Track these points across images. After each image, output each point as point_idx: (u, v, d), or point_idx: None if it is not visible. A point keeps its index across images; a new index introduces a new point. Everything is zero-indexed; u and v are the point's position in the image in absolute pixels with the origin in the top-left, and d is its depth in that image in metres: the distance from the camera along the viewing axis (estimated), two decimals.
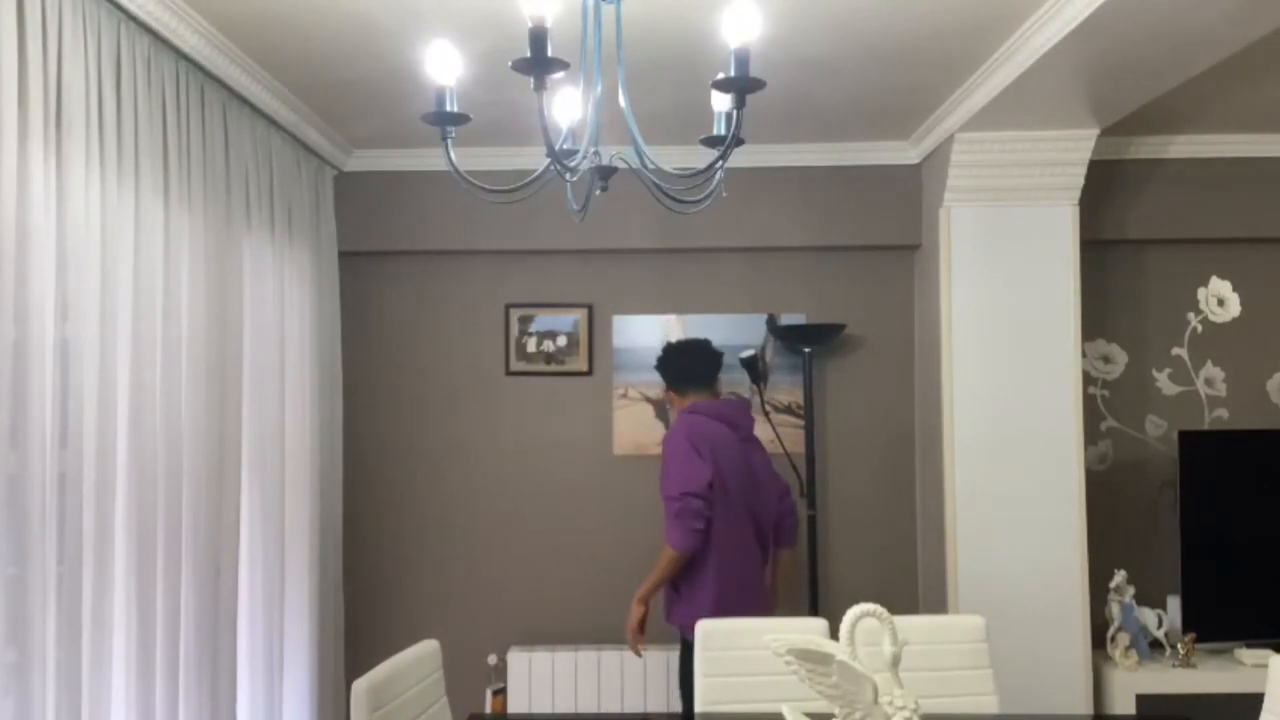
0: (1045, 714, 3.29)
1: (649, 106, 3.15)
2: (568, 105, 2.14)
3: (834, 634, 2.34)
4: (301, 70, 2.98)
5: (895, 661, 1.94)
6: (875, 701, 1.89)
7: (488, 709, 3.79)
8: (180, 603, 2.58)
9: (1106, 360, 3.97)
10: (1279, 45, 2.70)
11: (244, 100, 2.98)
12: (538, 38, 1.70)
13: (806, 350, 3.89)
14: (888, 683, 1.92)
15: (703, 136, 2.13)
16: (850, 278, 4.00)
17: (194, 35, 2.58)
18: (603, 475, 4.00)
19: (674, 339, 3.67)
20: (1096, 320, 3.90)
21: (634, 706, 3.70)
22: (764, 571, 3.35)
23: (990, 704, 2.64)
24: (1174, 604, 3.66)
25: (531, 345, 4.01)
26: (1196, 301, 3.97)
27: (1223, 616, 3.62)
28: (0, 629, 1.92)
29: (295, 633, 3.37)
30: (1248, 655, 3.53)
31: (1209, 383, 3.96)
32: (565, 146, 2.01)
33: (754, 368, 3.94)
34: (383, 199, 3.91)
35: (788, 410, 3.98)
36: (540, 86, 1.75)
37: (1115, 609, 3.57)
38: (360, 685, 2.20)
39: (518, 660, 3.75)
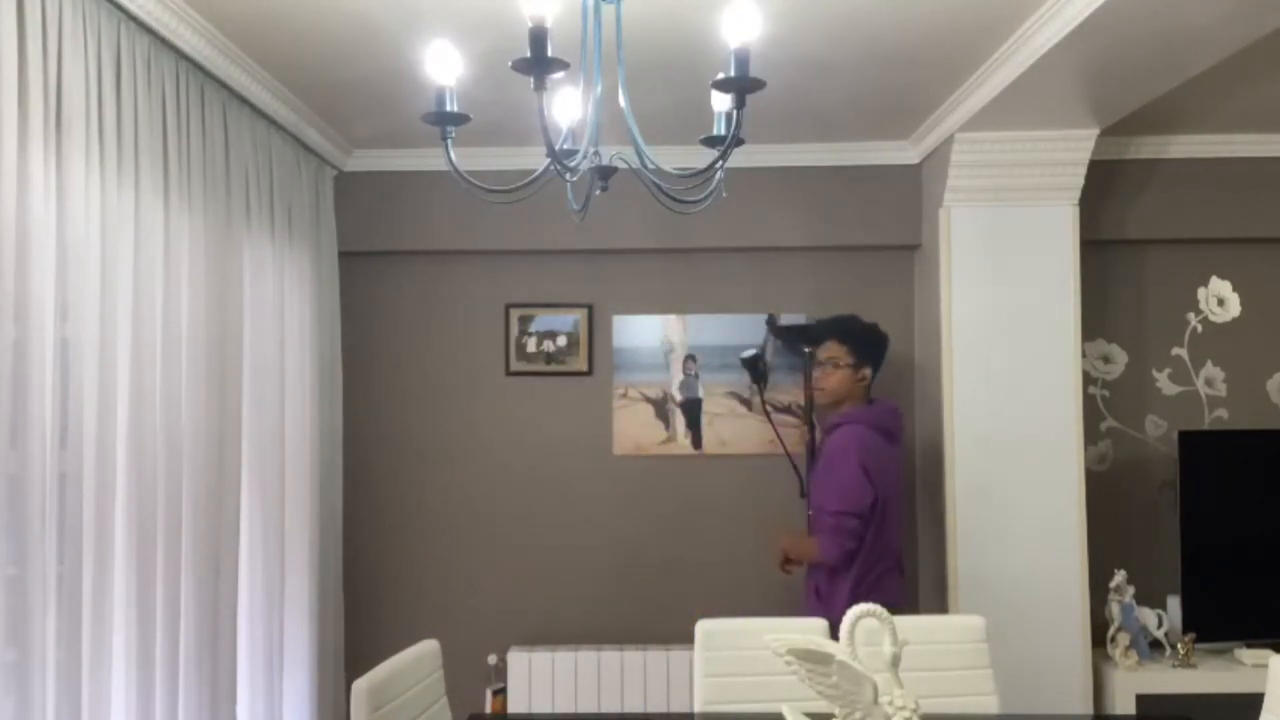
0: (1045, 714, 3.29)
1: (649, 106, 3.14)
2: (568, 105, 2.14)
3: (834, 634, 2.34)
4: (301, 70, 2.98)
5: (895, 661, 1.94)
6: (875, 701, 1.89)
7: (488, 709, 3.79)
8: (180, 603, 2.58)
9: (1106, 360, 3.97)
10: (1279, 45, 2.70)
11: (244, 100, 2.98)
12: (538, 38, 1.70)
13: (807, 350, 3.89)
14: (888, 683, 1.92)
15: (703, 136, 2.13)
16: (850, 278, 4.00)
17: (194, 35, 2.58)
18: (603, 475, 3.99)
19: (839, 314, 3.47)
20: (1096, 320, 3.90)
21: (634, 706, 3.70)
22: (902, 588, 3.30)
23: (990, 704, 2.64)
24: (1174, 604, 3.65)
25: (531, 345, 4.01)
26: (1196, 301, 3.97)
27: (1223, 616, 3.62)
28: (0, 629, 1.92)
29: (295, 633, 3.37)
30: (1248, 655, 3.53)
31: (1209, 383, 3.95)
32: (565, 146, 2.01)
33: (755, 368, 3.93)
34: (383, 199, 3.91)
35: (788, 410, 3.98)
36: (540, 86, 1.75)
37: (1115, 609, 3.56)
38: (360, 685, 2.20)
39: (518, 660, 3.75)
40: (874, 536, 3.13)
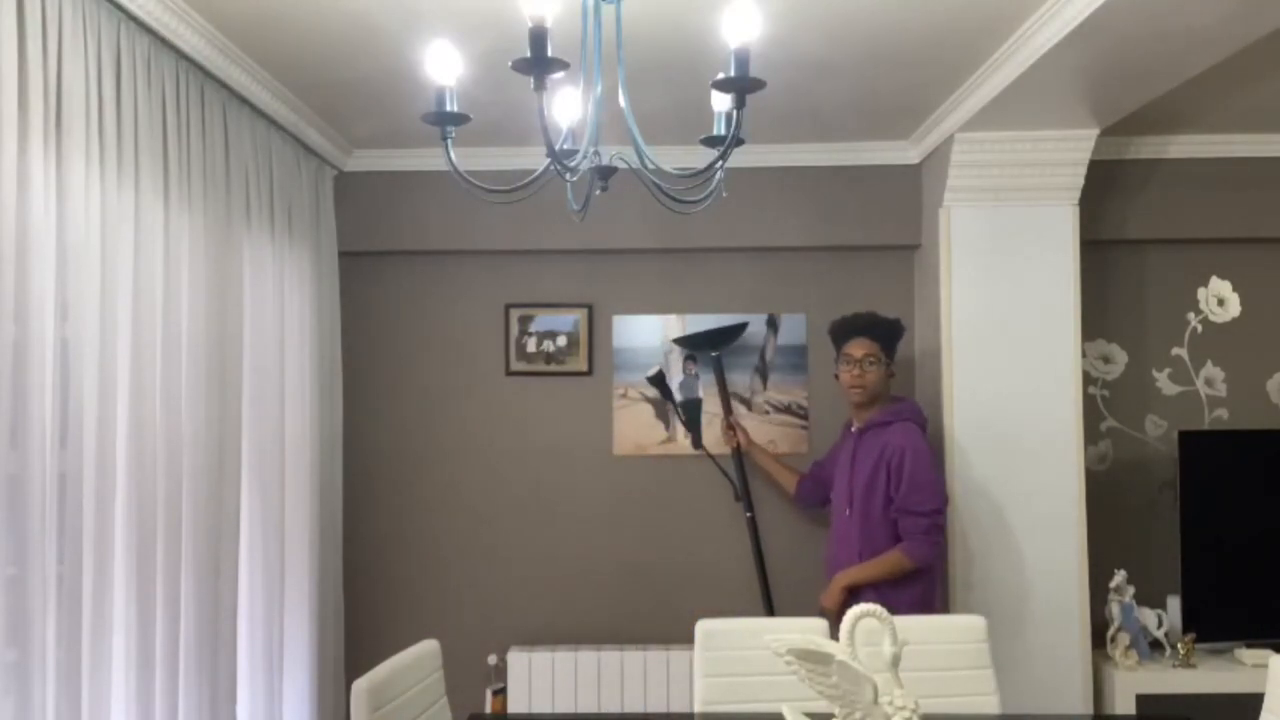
0: (1045, 714, 3.29)
1: (649, 106, 3.14)
2: (568, 105, 2.14)
3: (834, 634, 2.34)
4: (301, 70, 2.98)
5: (895, 661, 1.94)
6: (875, 701, 1.89)
7: (488, 709, 3.79)
8: (180, 603, 2.58)
9: (1106, 360, 3.97)
10: (1279, 45, 2.70)
11: (244, 100, 2.98)
12: (538, 38, 1.70)
13: (714, 354, 3.89)
14: (888, 683, 1.92)
15: (703, 136, 2.13)
16: (850, 278, 3.99)
17: (194, 35, 2.58)
18: (603, 475, 3.99)
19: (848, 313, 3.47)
20: (1096, 320, 3.90)
21: (634, 706, 3.69)
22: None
23: (991, 704, 2.64)
24: (1174, 604, 3.65)
25: (531, 345, 4.01)
26: (1196, 301, 3.97)
27: (1223, 616, 3.62)
28: (0, 629, 1.92)
29: (295, 633, 3.37)
30: (1248, 655, 3.53)
31: (1209, 383, 3.95)
32: (565, 146, 2.01)
33: (662, 383, 3.91)
34: (383, 199, 3.91)
35: (788, 410, 3.98)
36: (540, 86, 1.75)
37: (1115, 609, 3.56)
38: (360, 685, 2.20)
39: (518, 660, 3.75)
40: None
